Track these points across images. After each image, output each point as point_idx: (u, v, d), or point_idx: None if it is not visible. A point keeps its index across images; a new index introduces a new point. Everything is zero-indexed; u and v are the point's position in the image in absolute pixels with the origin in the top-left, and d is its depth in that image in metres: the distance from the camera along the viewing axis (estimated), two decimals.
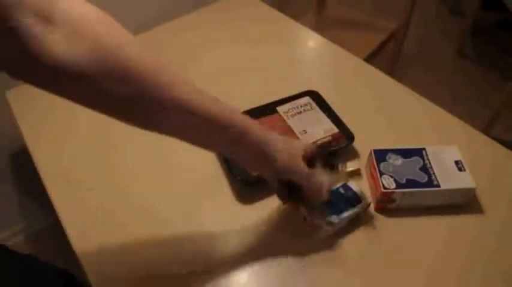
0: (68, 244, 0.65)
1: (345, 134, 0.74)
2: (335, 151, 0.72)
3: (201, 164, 0.74)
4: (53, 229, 1.39)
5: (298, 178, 0.55)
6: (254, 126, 0.51)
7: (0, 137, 1.19)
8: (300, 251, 0.62)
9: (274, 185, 0.59)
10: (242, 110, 0.78)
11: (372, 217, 0.66)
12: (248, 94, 0.85)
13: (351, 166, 0.71)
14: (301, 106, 0.79)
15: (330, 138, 0.73)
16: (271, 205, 0.67)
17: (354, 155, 0.74)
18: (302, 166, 0.54)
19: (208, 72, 0.92)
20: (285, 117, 0.78)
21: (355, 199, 0.63)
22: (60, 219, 0.68)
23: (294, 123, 0.76)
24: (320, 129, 0.75)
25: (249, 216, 0.67)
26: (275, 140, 0.53)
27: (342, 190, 0.65)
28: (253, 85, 0.90)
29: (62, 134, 0.81)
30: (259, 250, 0.63)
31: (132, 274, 0.61)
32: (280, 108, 0.79)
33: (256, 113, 0.77)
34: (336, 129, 0.74)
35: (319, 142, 0.72)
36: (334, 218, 0.61)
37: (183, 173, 0.74)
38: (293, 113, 0.78)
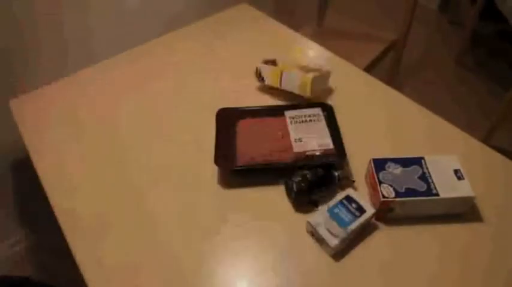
0: (69, 254, 0.66)
1: (338, 152, 0.72)
2: (322, 165, 0.71)
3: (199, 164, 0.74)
4: (53, 238, 1.39)
5: None
6: None
7: (2, 146, 1.19)
8: (302, 261, 0.63)
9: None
10: (249, 108, 0.83)
11: (371, 226, 0.66)
12: (246, 96, 0.88)
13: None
14: (308, 115, 0.79)
15: (321, 152, 0.72)
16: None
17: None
18: None
19: (209, 73, 0.95)
20: (288, 122, 0.78)
21: (359, 209, 0.63)
22: (61, 228, 0.69)
23: (294, 130, 0.77)
24: (316, 141, 0.74)
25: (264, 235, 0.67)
26: None
27: (345, 202, 0.65)
28: (252, 89, 0.91)
29: (64, 143, 0.82)
30: (269, 272, 0.63)
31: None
32: (288, 113, 0.80)
33: (265, 112, 0.81)
34: (331, 146, 0.73)
35: (308, 153, 0.72)
36: (342, 232, 0.61)
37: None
38: (298, 120, 0.79)
